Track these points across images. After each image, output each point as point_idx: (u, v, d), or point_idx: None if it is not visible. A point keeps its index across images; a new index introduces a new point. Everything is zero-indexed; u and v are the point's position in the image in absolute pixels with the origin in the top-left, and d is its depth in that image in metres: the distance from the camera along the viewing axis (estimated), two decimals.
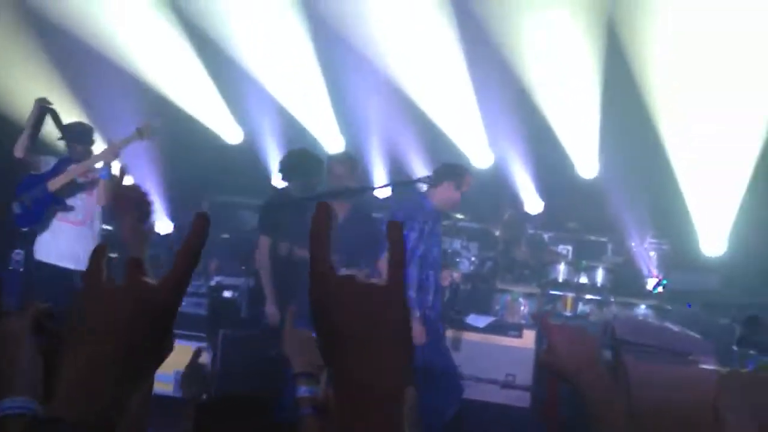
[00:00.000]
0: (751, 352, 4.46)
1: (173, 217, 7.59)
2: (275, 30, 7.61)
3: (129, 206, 1.82)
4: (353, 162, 5.33)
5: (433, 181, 4.92)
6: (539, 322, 1.71)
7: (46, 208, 5.10)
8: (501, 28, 7.37)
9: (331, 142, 7.98)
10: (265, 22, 7.55)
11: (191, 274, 0.86)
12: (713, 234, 7.25)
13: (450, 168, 5.09)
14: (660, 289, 6.71)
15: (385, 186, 6.85)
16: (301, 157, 5.22)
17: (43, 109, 5.23)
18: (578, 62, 7.35)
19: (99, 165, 5.16)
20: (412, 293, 4.63)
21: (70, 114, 7.10)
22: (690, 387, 4.21)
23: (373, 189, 6.87)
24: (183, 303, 0.79)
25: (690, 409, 4.03)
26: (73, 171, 5.15)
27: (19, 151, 5.08)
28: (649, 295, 6.49)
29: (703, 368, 4.39)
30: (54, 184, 5.11)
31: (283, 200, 5.15)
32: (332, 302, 0.78)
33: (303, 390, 1.84)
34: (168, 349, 0.86)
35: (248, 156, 7.87)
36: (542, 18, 7.22)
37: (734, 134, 7.04)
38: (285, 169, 5.22)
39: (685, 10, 6.74)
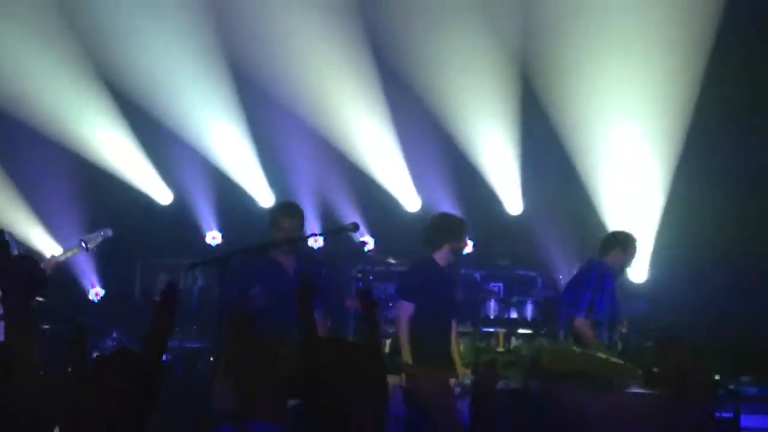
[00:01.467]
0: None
1: (105, 284, 7.49)
2: (199, 88, 7.71)
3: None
4: (301, 214, 5.03)
5: (601, 251, 5.38)
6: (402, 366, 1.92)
7: None
8: (419, 76, 7.67)
9: (261, 195, 8.06)
10: (189, 80, 7.65)
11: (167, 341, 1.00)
12: (636, 261, 7.54)
13: (618, 236, 5.53)
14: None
15: (316, 235, 6.94)
16: (446, 221, 5.16)
17: None
18: (495, 103, 7.68)
19: None
20: None
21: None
22: (614, 412, 4.39)
23: (306, 238, 6.94)
24: None
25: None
26: None
27: None
28: None
29: (627, 392, 4.58)
30: None
31: (427, 265, 5.04)
32: (323, 361, 0.93)
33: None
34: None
35: (179, 216, 7.87)
36: (458, 65, 7.54)
37: (646, 165, 7.44)
38: (431, 236, 5.08)
39: (593, 46, 7.16)
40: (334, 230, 5.39)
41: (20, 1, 7.11)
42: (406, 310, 4.90)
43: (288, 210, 4.93)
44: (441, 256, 5.01)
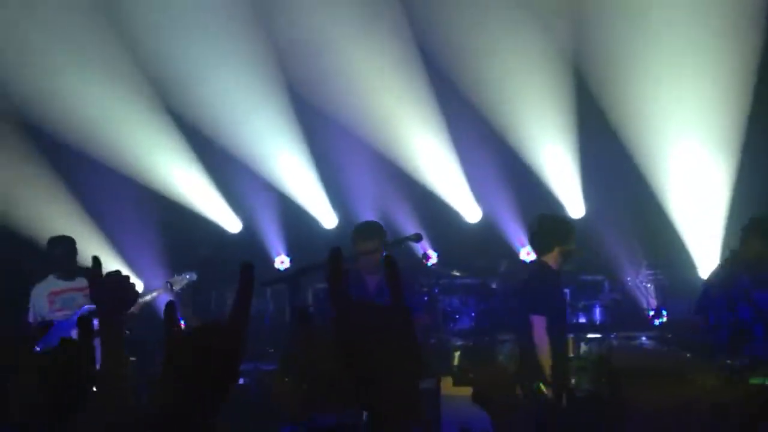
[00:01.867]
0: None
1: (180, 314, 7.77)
2: (262, 117, 7.96)
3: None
4: (377, 234, 4.94)
5: (742, 238, 4.82)
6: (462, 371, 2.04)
7: None
8: (474, 87, 7.73)
9: (325, 217, 8.27)
10: (251, 112, 7.92)
11: (247, 321, 1.12)
12: (706, 258, 7.39)
13: (754, 222, 4.89)
14: (662, 319, 6.82)
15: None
16: (554, 224, 4.88)
17: None
18: (551, 108, 7.67)
19: None
20: None
21: (73, 223, 7.47)
22: (687, 410, 4.34)
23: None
24: None
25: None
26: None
27: None
28: (649, 326, 6.61)
29: (698, 387, 4.51)
30: None
31: (547, 273, 4.73)
32: (352, 320, 1.06)
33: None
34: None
35: (248, 244, 8.13)
36: (512, 73, 7.57)
37: (711, 158, 7.29)
38: (541, 240, 4.81)
39: (649, 46, 7.08)
40: (398, 241, 5.47)
41: (93, 44, 7.46)
42: (542, 323, 4.53)
43: (362, 233, 4.94)
44: (552, 261, 4.73)
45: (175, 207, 8.06)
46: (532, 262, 4.96)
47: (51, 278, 5.49)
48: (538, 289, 4.72)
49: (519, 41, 7.39)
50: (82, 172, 7.88)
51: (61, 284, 5.44)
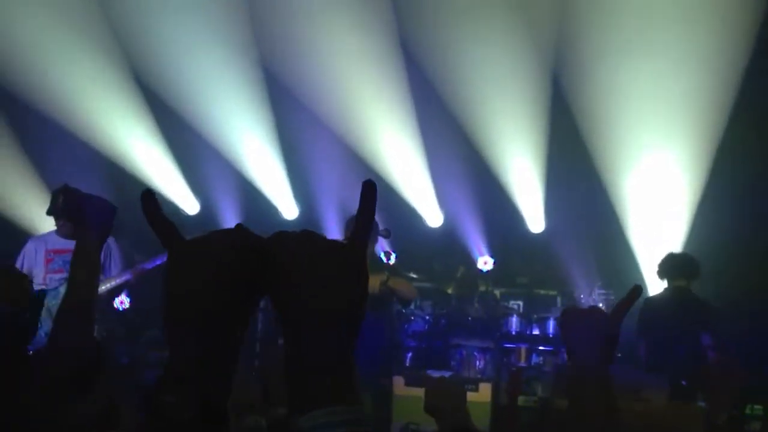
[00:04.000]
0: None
1: (130, 292, 7.54)
2: (232, 97, 7.81)
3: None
4: (376, 227, 4.86)
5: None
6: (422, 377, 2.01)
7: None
8: (450, 90, 7.72)
9: (286, 207, 8.14)
10: (222, 90, 7.76)
11: (368, 236, 0.92)
12: (657, 283, 7.49)
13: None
14: None
15: None
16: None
17: None
18: (523, 120, 7.70)
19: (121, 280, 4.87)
20: None
21: (32, 190, 7.19)
22: (646, 426, 4.36)
23: None
24: None
25: None
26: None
27: None
28: None
29: (656, 404, 4.55)
30: None
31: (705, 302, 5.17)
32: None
33: None
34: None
35: (205, 227, 7.94)
36: (489, 81, 7.57)
37: (674, 184, 7.41)
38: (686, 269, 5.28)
39: (626, 66, 7.15)
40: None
41: (63, 7, 7.21)
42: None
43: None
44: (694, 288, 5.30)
45: (133, 181, 7.83)
46: (682, 289, 5.30)
47: (51, 233, 4.87)
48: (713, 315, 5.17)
49: (500, 50, 7.39)
50: (39, 134, 7.60)
51: (61, 243, 4.76)
